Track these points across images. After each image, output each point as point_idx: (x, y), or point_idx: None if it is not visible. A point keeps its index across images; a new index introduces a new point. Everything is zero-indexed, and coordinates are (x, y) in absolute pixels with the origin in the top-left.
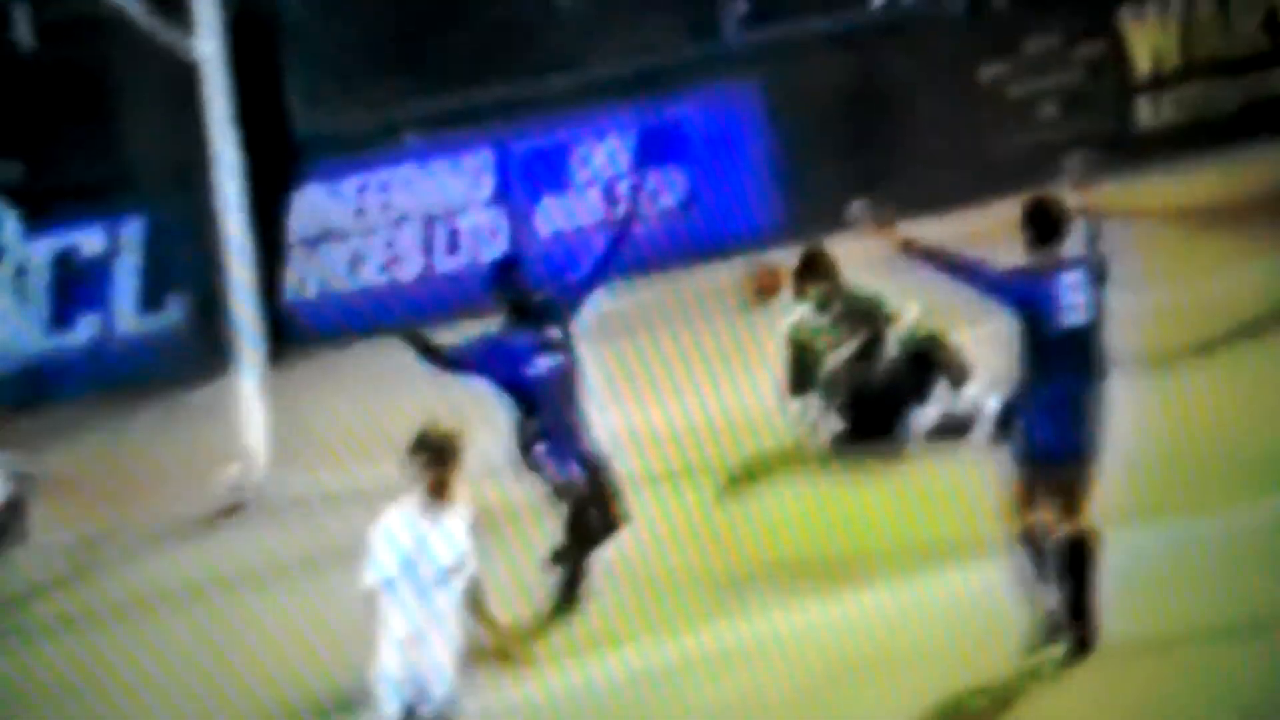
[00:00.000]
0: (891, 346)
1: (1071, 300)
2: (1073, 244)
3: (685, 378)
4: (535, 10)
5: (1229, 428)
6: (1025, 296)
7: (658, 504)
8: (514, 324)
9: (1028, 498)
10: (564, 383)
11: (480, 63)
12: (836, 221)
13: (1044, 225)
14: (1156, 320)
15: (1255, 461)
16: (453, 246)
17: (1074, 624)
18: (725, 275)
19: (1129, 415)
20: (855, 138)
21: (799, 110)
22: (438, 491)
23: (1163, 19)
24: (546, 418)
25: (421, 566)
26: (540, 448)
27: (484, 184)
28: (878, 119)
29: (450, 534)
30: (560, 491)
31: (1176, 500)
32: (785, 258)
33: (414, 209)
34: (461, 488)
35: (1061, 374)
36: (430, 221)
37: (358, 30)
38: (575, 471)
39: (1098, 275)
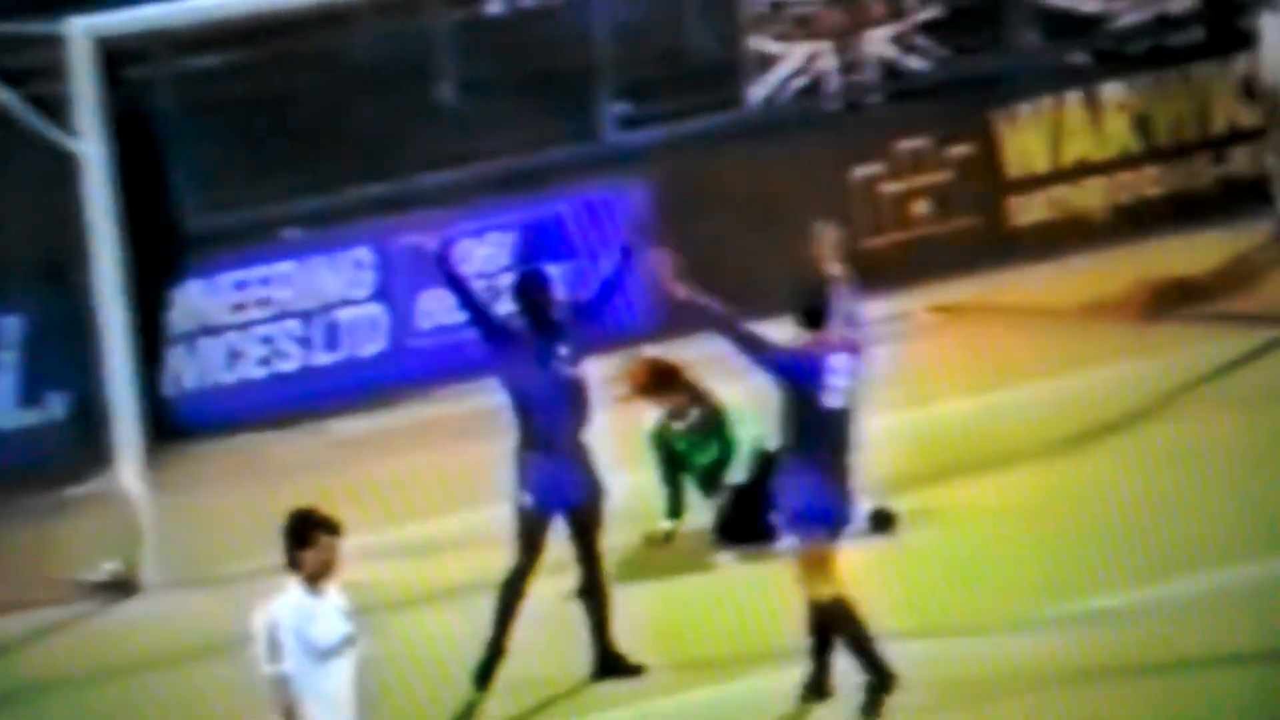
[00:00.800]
0: (744, 453)
1: (835, 382)
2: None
3: None
4: (416, 108)
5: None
6: (791, 371)
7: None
8: (531, 330)
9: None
10: (568, 400)
11: (361, 159)
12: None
13: (809, 309)
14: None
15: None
16: (331, 342)
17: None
18: (607, 369)
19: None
20: (732, 234)
21: (680, 208)
22: (321, 572)
23: (1035, 119)
24: (541, 430)
25: (315, 647)
26: (528, 459)
27: (364, 280)
28: (754, 216)
29: (335, 612)
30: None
31: None
32: (668, 353)
33: (293, 304)
34: (340, 568)
35: (820, 447)
36: (309, 317)
37: (239, 127)
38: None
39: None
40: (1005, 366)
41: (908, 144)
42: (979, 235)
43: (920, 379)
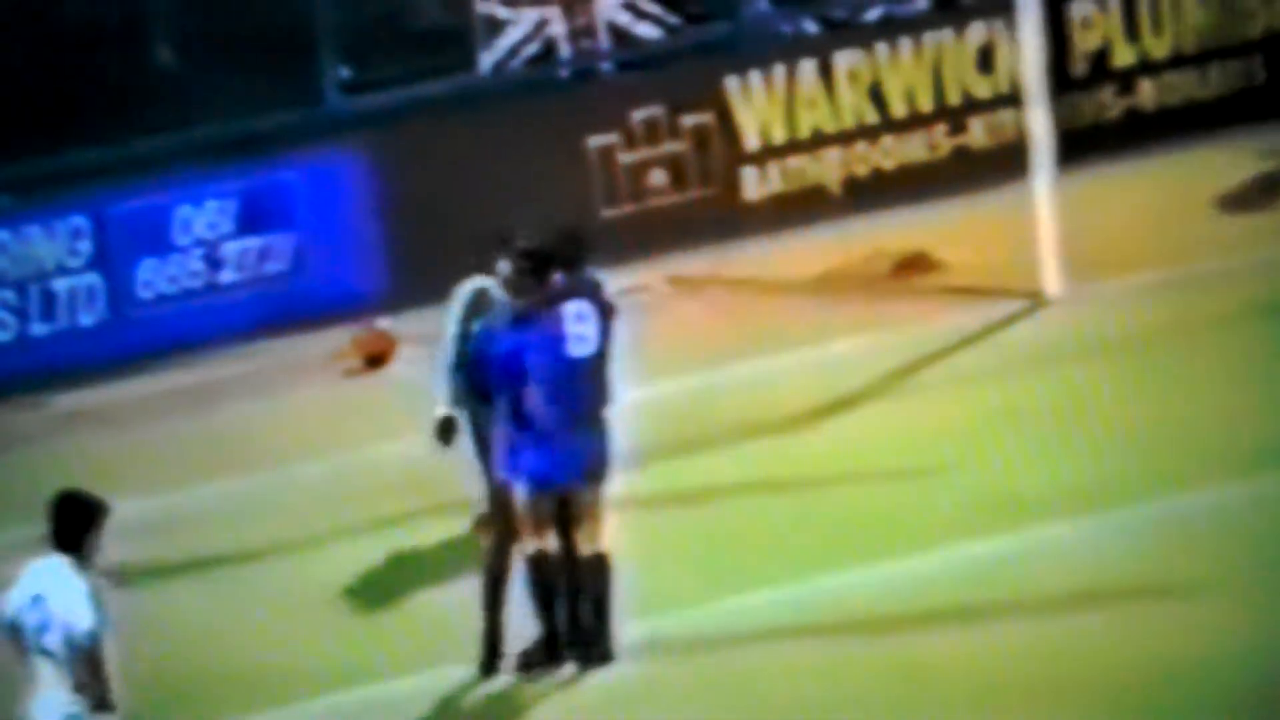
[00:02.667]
0: None
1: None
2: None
3: (290, 445)
4: (132, 70)
5: None
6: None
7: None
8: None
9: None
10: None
11: (75, 124)
12: (443, 290)
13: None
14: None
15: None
16: (47, 311)
17: (587, 640)
18: (331, 341)
19: None
20: (462, 203)
21: (405, 176)
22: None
23: (768, 89)
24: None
25: (30, 618)
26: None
27: (80, 248)
28: (484, 184)
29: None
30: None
31: None
32: (393, 324)
33: (7, 274)
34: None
35: (569, 400)
36: (23, 286)
37: None
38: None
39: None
40: (742, 339)
41: (642, 113)
42: (715, 206)
43: (658, 352)
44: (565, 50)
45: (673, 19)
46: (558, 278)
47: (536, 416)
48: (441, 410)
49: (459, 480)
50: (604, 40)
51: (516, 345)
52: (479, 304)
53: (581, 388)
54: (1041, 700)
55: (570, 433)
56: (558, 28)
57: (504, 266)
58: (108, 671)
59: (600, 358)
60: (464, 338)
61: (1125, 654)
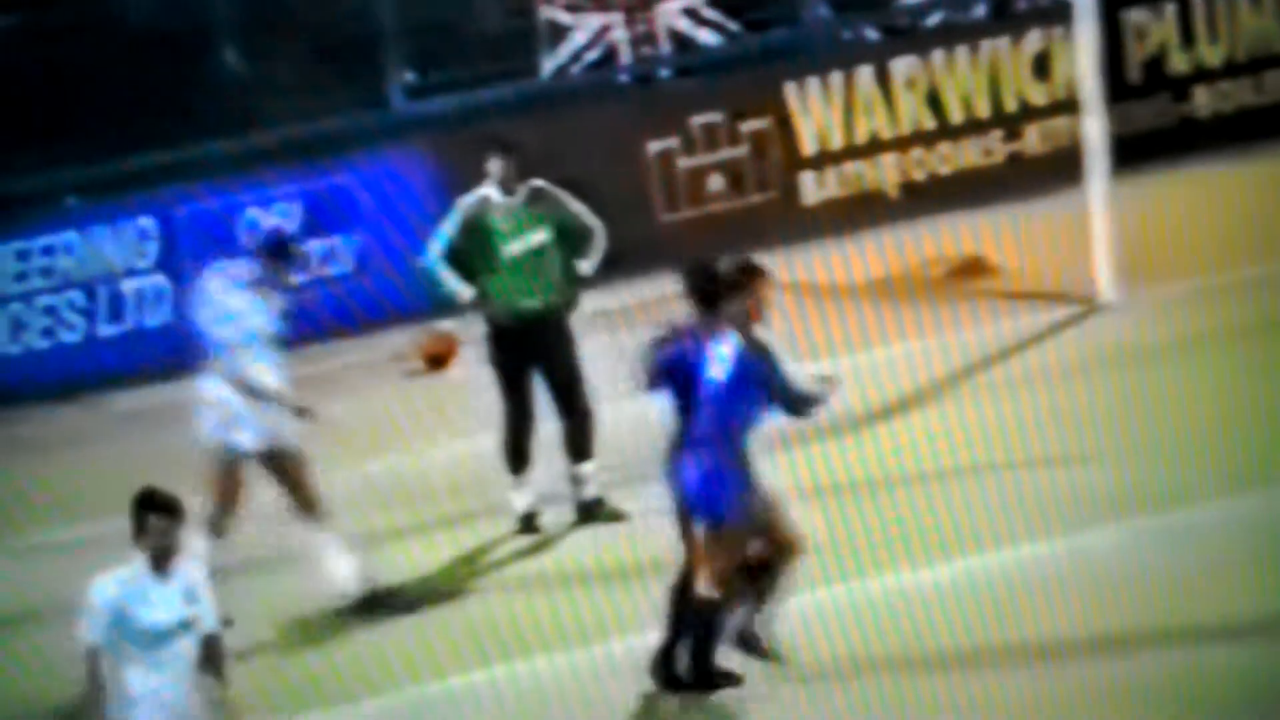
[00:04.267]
0: None
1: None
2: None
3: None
4: (201, 74)
5: None
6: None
7: None
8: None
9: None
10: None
11: (144, 126)
12: None
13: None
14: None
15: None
16: (116, 312)
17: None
18: (396, 343)
19: None
20: None
21: (467, 179)
22: (160, 555)
23: (827, 95)
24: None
25: (140, 628)
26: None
27: (147, 249)
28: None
29: (176, 596)
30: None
31: None
32: (456, 326)
33: (76, 274)
34: (187, 549)
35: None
36: (92, 286)
37: (18, 94)
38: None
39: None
40: (800, 343)
41: (702, 118)
42: (774, 211)
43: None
44: (626, 56)
45: (733, 25)
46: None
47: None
48: (465, 292)
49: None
50: (665, 46)
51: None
52: (482, 210)
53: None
54: (1097, 707)
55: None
56: (619, 34)
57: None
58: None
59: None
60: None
61: (1168, 657)
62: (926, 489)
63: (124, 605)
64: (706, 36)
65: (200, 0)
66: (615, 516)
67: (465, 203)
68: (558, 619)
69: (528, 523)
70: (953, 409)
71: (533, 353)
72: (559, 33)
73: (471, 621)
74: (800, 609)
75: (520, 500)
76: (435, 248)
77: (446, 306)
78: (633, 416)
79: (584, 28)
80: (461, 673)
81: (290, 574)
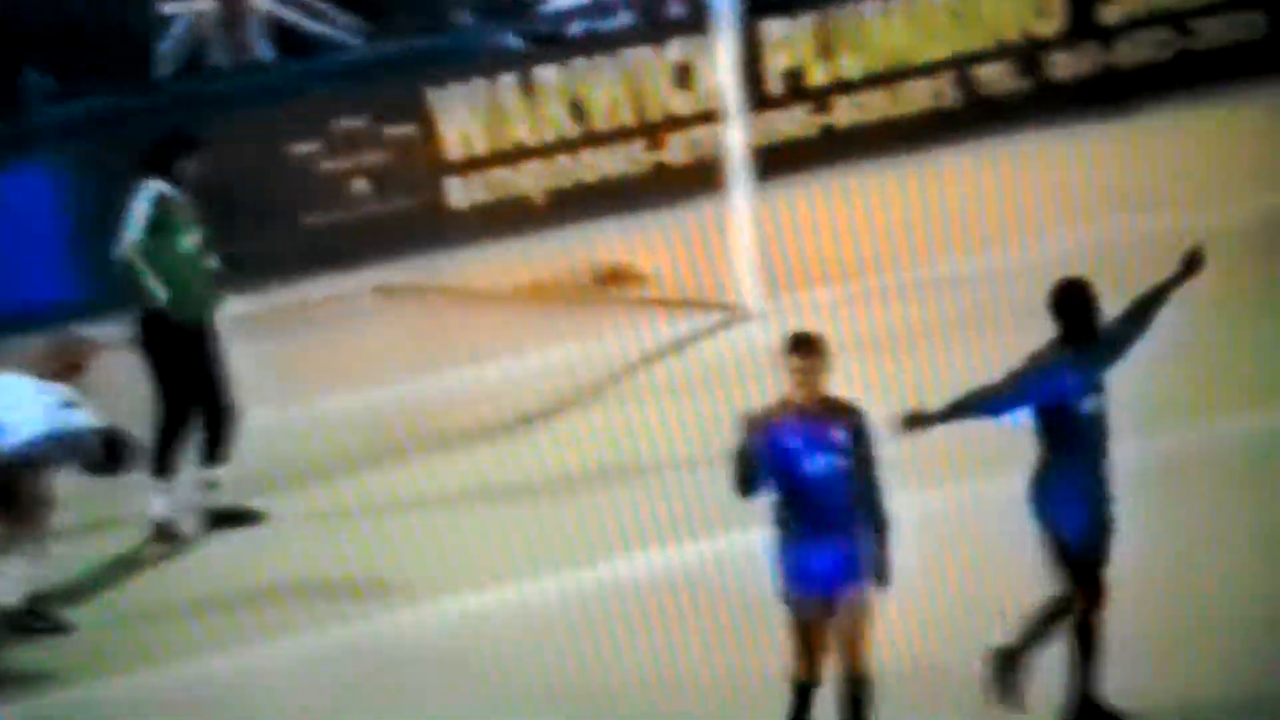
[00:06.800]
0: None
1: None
2: None
3: None
4: None
5: None
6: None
7: None
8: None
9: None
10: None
11: None
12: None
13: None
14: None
15: None
16: None
17: None
18: (24, 350)
19: None
20: None
21: (104, 184)
22: None
23: (470, 101)
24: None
25: None
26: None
27: None
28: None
29: None
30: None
31: None
32: (92, 333)
33: None
34: None
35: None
36: None
37: None
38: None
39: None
40: (446, 349)
41: (345, 123)
42: (419, 216)
43: (362, 361)
44: (219, 42)
45: (344, 17)
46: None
47: None
48: (160, 291)
49: None
50: (255, 35)
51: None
52: (165, 207)
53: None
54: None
55: None
56: (212, 20)
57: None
58: None
59: None
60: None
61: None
62: (574, 495)
63: None
64: (308, 23)
65: None
66: (251, 520)
67: (148, 198)
68: (208, 627)
69: (164, 530)
70: (599, 415)
71: (197, 354)
72: (165, 24)
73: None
74: (451, 614)
75: (160, 506)
76: (132, 242)
77: (74, 313)
78: (263, 424)
79: (184, 15)
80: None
81: None
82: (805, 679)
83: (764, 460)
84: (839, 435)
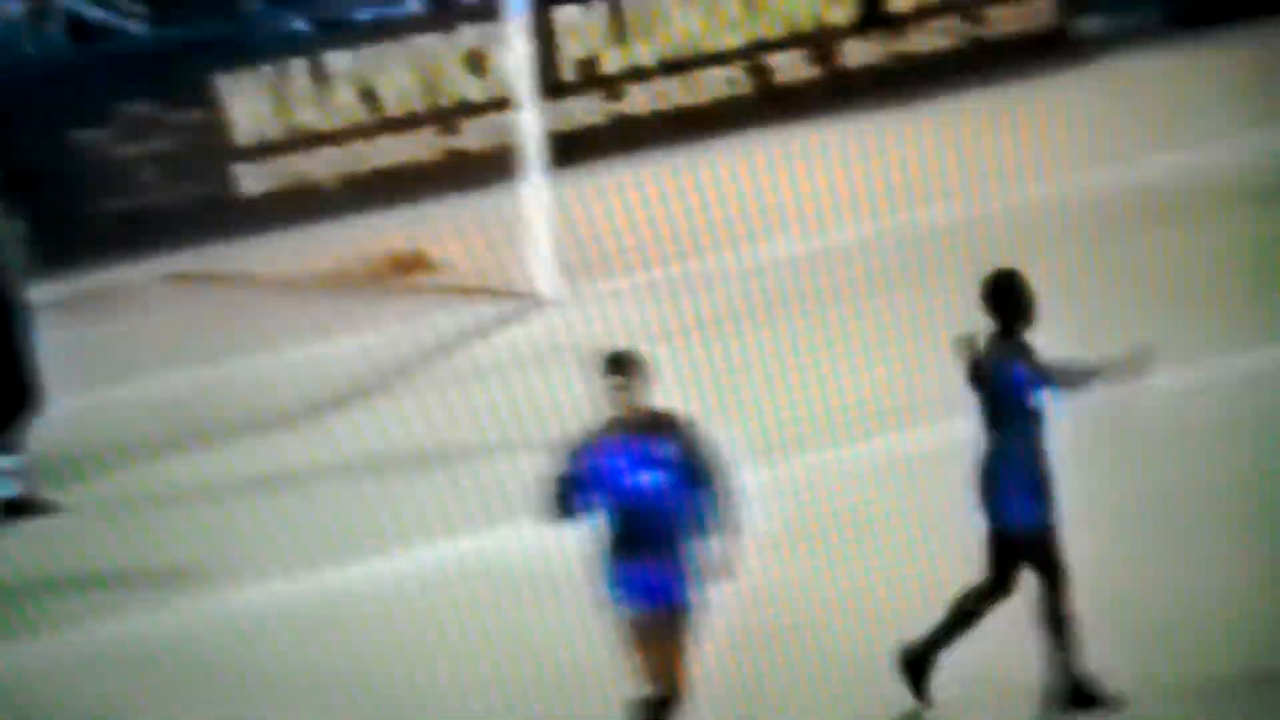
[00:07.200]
0: None
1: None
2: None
3: None
4: None
5: None
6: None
7: None
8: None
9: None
10: None
11: None
12: None
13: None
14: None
15: None
16: None
17: None
18: None
19: None
20: None
21: None
22: None
23: (260, 87)
24: None
25: None
26: None
27: None
28: None
29: None
30: None
31: None
32: None
33: None
34: None
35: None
36: None
37: None
38: None
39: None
40: (239, 336)
41: (132, 108)
42: (210, 203)
43: (154, 348)
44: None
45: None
46: None
47: None
48: None
49: None
50: (58, 24)
51: None
52: None
53: None
54: None
55: None
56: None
57: None
58: None
59: None
60: None
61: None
62: (366, 483)
63: None
64: (99, 13)
65: None
66: (46, 510)
67: None
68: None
69: None
70: (397, 402)
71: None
72: None
73: None
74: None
75: None
76: None
77: None
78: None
79: None
80: None
81: None
82: (654, 693)
83: (590, 482)
84: (665, 450)
